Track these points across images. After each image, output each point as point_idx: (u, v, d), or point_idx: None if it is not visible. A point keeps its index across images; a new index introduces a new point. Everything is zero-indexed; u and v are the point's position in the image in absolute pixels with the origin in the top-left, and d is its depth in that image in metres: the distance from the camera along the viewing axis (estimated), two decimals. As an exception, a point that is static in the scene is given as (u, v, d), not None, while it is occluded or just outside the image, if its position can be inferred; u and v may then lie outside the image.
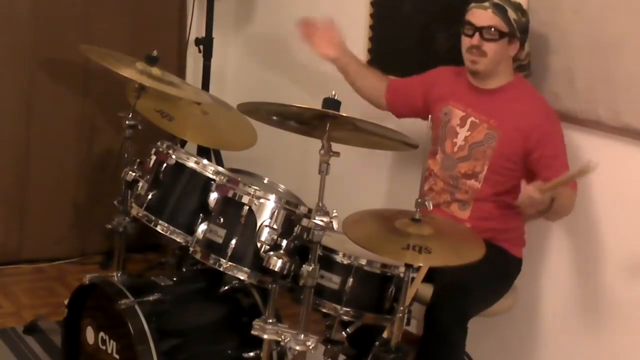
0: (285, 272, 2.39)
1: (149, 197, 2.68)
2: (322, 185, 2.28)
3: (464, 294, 2.71)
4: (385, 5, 3.62)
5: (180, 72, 4.23)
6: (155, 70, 3.04)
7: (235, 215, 2.51)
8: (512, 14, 2.77)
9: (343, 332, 2.61)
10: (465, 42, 2.84)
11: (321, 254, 2.44)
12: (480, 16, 2.78)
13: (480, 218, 2.88)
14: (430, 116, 2.81)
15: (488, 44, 2.78)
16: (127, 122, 2.95)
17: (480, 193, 2.87)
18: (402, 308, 2.35)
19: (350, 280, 2.50)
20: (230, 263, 2.50)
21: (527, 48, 2.90)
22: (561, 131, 2.83)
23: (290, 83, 4.17)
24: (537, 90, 2.94)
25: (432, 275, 2.63)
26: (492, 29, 2.76)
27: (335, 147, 2.28)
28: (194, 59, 4.29)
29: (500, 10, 2.77)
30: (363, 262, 2.51)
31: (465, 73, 2.94)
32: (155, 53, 3.05)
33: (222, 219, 2.54)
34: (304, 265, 2.31)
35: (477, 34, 2.78)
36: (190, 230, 2.61)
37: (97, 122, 4.06)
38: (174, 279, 2.79)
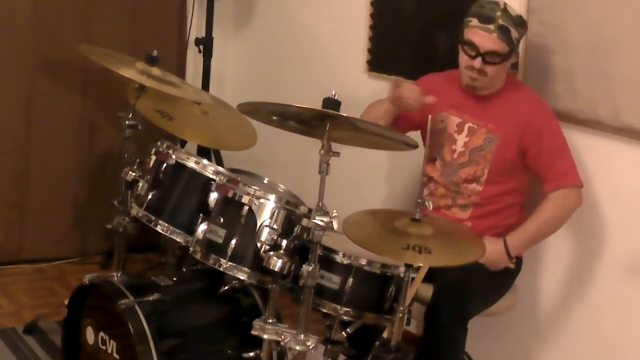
0: (285, 272, 2.39)
1: (149, 197, 2.68)
2: (322, 185, 2.28)
3: (464, 294, 2.71)
4: (385, 5, 3.62)
5: (180, 72, 4.23)
6: (155, 70, 3.04)
7: (235, 215, 2.51)
8: (514, 34, 2.71)
9: (343, 332, 2.61)
10: (465, 60, 2.77)
11: (321, 254, 2.44)
12: (484, 39, 2.70)
13: (480, 217, 2.88)
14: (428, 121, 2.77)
15: (490, 67, 2.74)
16: (127, 122, 2.95)
17: (481, 196, 2.88)
18: (402, 308, 2.35)
19: (350, 280, 2.50)
20: (230, 263, 2.50)
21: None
22: (559, 129, 2.81)
23: (290, 83, 4.17)
24: (537, 89, 2.94)
25: (432, 275, 2.63)
26: (495, 55, 2.71)
27: (335, 147, 2.28)
28: (194, 59, 4.29)
29: (504, 33, 2.69)
30: (363, 262, 2.51)
31: (456, 77, 2.91)
32: (155, 53, 3.05)
33: (222, 219, 2.53)
34: (304, 265, 2.31)
35: (479, 58, 2.72)
36: (190, 230, 2.61)
37: (97, 122, 4.06)
38: (174, 279, 2.79)
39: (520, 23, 2.75)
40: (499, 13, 2.70)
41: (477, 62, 2.73)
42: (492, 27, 2.69)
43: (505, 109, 2.84)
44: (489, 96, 2.87)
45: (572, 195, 2.78)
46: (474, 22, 2.73)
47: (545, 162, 2.78)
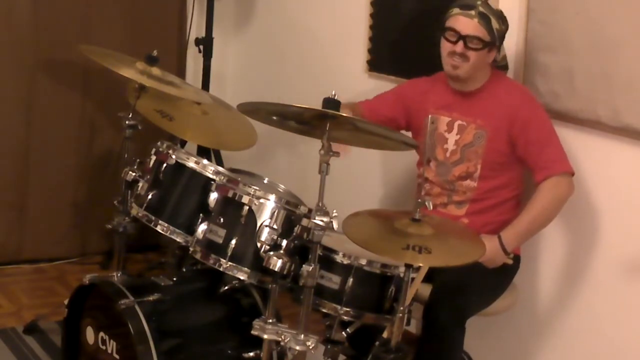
0: (285, 272, 2.39)
1: (149, 197, 2.68)
2: (322, 185, 2.28)
3: (461, 293, 2.71)
4: (385, 5, 3.62)
5: (180, 72, 4.23)
6: (155, 70, 3.04)
7: (235, 215, 2.51)
8: (495, 24, 2.77)
9: (343, 332, 2.61)
10: (447, 47, 2.82)
11: (321, 254, 2.44)
12: (466, 24, 2.77)
13: (476, 213, 2.89)
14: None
15: (471, 51, 2.78)
16: (127, 122, 2.95)
17: (477, 191, 2.88)
18: (402, 308, 2.35)
19: (350, 280, 2.50)
20: (230, 263, 2.50)
21: (503, 51, 2.91)
22: (546, 118, 2.83)
23: (290, 83, 4.17)
24: (537, 89, 2.94)
25: (431, 275, 2.63)
26: (476, 39, 2.76)
27: (336, 147, 2.28)
28: (194, 59, 4.29)
29: (485, 20, 2.76)
30: (363, 262, 2.51)
31: (442, 79, 2.95)
32: (155, 53, 3.05)
33: (222, 219, 2.54)
34: (304, 265, 2.30)
35: (461, 42, 2.77)
36: (190, 230, 2.61)
37: (97, 122, 4.07)
38: (174, 279, 2.79)
39: (501, 17, 2.81)
40: (479, 2, 2.78)
41: (459, 46, 2.78)
42: (473, 12, 2.77)
43: (491, 103, 2.86)
44: (474, 92, 2.89)
45: (563, 182, 2.77)
46: (456, 11, 2.81)
47: (534, 151, 2.79)
